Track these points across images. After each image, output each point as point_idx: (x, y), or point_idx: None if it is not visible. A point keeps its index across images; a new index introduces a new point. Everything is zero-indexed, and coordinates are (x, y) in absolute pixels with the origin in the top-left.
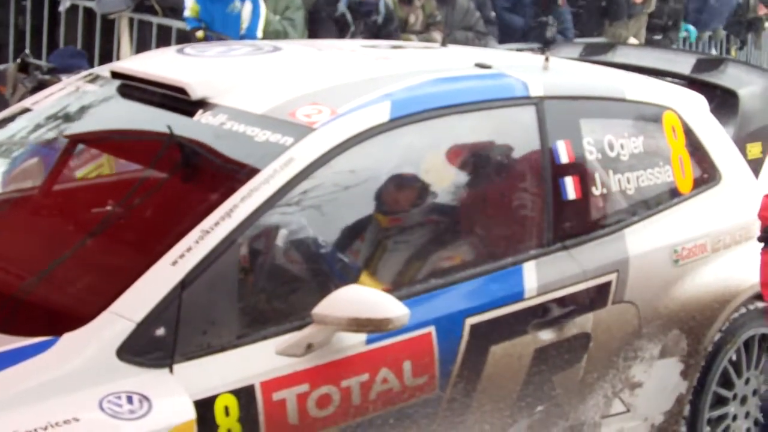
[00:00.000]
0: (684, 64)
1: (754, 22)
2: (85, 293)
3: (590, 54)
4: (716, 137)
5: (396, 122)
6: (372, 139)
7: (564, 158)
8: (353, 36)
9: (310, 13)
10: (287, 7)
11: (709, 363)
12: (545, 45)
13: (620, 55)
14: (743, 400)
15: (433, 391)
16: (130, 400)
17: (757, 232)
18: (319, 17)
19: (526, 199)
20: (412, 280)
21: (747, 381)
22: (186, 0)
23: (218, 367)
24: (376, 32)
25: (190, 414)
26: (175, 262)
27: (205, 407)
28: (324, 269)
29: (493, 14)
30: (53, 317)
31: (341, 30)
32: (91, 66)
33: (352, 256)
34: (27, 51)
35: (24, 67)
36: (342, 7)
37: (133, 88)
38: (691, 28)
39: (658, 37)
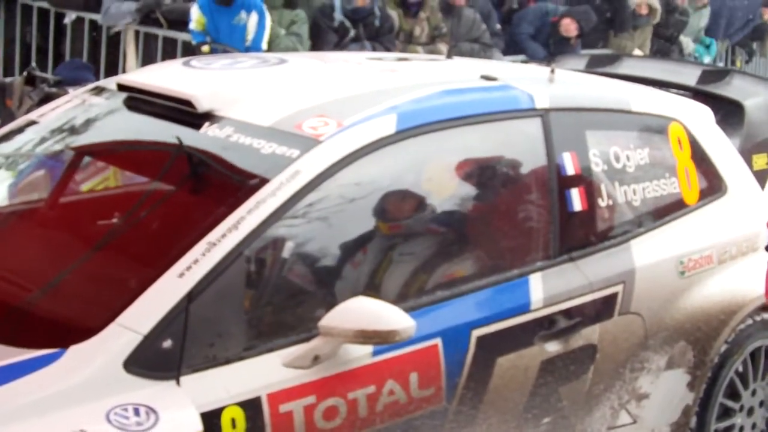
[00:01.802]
0: (689, 75)
1: (758, 29)
2: (92, 305)
3: (595, 65)
4: (722, 148)
5: (402, 134)
6: (378, 152)
7: (570, 170)
8: (354, 41)
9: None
10: (293, 22)
11: (716, 374)
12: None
13: (625, 67)
14: (750, 412)
15: (440, 402)
16: (137, 412)
17: (765, 242)
18: (319, 28)
19: (532, 211)
20: (418, 292)
21: (754, 392)
22: (192, 12)
23: (225, 379)
24: (376, 35)
25: (197, 426)
26: (182, 275)
27: (212, 419)
28: (330, 281)
29: (498, 27)
30: (60, 329)
31: (341, 37)
32: (97, 78)
33: (359, 268)
34: (33, 64)
35: (30, 80)
36: (339, 15)
37: (140, 100)
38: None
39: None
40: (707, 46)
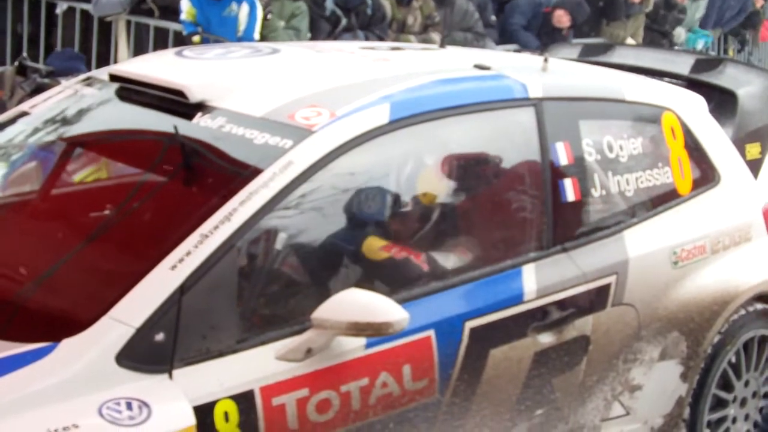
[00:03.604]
0: (682, 64)
1: (751, 17)
2: (84, 298)
3: (589, 55)
4: (715, 138)
5: (395, 124)
6: (371, 142)
7: (563, 160)
8: (346, 30)
9: None
10: (293, 15)
11: (709, 365)
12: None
13: (619, 56)
14: (743, 403)
15: (433, 395)
16: (129, 406)
17: (758, 232)
18: (311, 18)
19: (525, 201)
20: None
21: (747, 383)
22: (182, 3)
23: (218, 373)
24: (368, 24)
25: (190, 420)
26: (174, 267)
27: (204, 413)
28: (323, 273)
29: (493, 18)
30: (52, 323)
31: (333, 26)
32: (89, 69)
33: (352, 259)
34: (24, 54)
35: (22, 71)
36: (330, 5)
37: (132, 91)
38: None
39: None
40: (706, 35)
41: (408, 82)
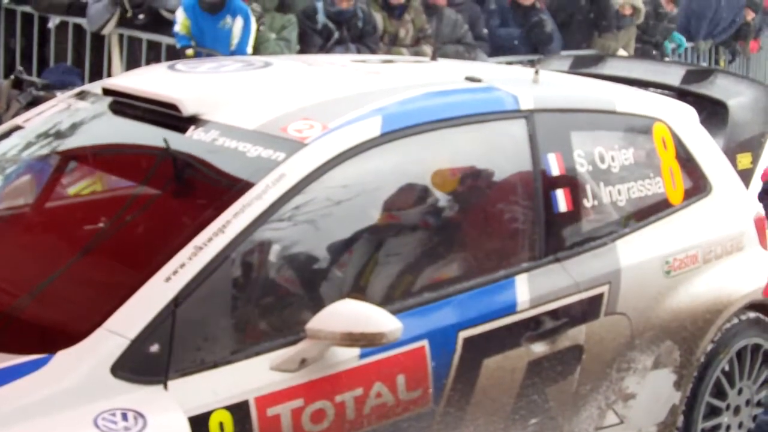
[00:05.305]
0: (673, 75)
1: (741, 29)
2: (79, 310)
3: (580, 66)
4: (706, 148)
5: (387, 137)
6: (363, 154)
7: (555, 171)
8: (338, 43)
9: None
10: (283, 27)
11: (702, 373)
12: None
13: (610, 67)
14: (736, 411)
15: (427, 404)
16: (124, 417)
17: (750, 241)
18: (303, 31)
19: (517, 212)
20: (405, 294)
21: (740, 391)
22: (177, 15)
23: (212, 383)
24: (360, 36)
25: (185, 430)
26: (168, 279)
27: (199, 423)
28: (317, 284)
29: (485, 31)
30: (47, 335)
31: (326, 39)
32: (83, 83)
33: (345, 270)
34: (20, 67)
35: (18, 84)
36: (322, 18)
37: (125, 104)
38: (681, 37)
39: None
40: (679, 45)
41: (400, 95)
